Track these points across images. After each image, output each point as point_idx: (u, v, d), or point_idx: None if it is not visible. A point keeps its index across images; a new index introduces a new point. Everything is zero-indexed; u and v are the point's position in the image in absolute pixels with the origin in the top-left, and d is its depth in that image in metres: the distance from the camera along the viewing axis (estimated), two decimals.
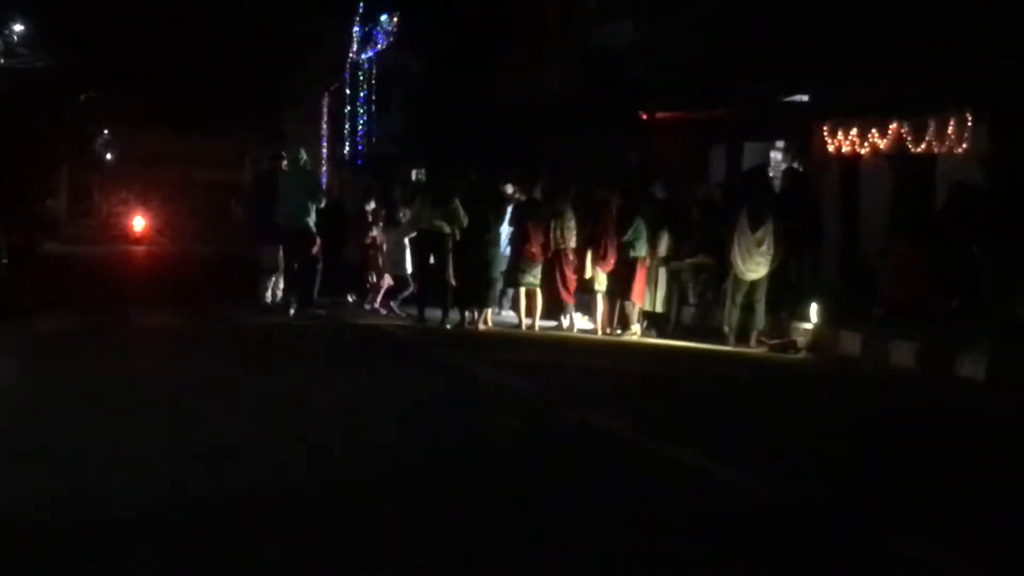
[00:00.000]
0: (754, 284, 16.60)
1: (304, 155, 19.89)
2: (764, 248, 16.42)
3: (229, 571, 5.91)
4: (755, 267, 16.52)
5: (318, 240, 18.64)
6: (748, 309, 16.71)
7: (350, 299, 20.27)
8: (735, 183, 17.60)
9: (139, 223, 52.53)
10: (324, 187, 24.31)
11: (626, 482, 8.19)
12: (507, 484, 7.98)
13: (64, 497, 7.17)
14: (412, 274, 19.61)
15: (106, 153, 79.07)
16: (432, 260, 18.06)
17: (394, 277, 19.97)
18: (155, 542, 6.33)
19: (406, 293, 19.78)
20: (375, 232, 20.57)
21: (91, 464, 8.09)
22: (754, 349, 16.38)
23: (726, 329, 16.84)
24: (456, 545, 6.50)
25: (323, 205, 19.15)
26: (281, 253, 18.99)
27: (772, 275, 16.62)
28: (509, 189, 18.66)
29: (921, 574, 6.39)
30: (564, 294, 18.13)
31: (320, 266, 18.91)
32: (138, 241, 49.48)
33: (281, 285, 19.27)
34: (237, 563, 6.02)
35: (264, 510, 7.08)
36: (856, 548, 6.73)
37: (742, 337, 16.65)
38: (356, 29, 47.78)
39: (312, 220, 18.56)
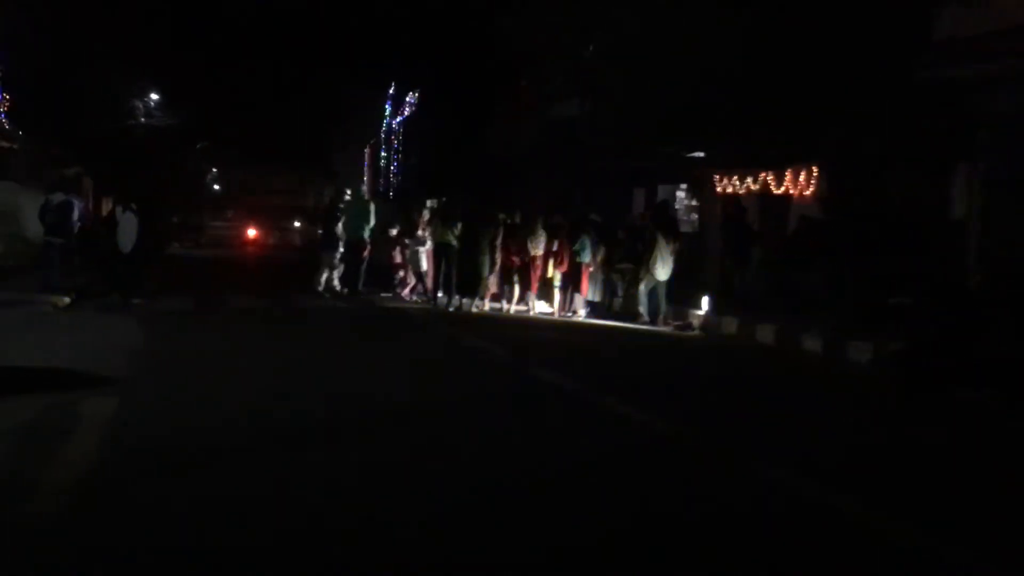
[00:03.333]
0: (664, 282, 16.64)
1: (364, 189, 20.32)
2: (673, 257, 16.48)
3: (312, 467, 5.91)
4: (667, 270, 16.56)
5: (368, 247, 18.79)
6: (658, 300, 16.74)
7: (383, 295, 20.23)
8: (661, 217, 17.53)
9: (251, 232, 52.52)
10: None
11: (561, 421, 8.20)
12: (468, 420, 7.99)
13: (183, 427, 7.17)
14: (425, 272, 19.66)
15: (214, 185, 78.77)
16: (444, 263, 18.11)
17: (414, 274, 19.90)
18: (265, 450, 6.33)
19: (419, 286, 19.78)
20: (396, 249, 20.59)
21: (198, 401, 8.09)
22: (662, 328, 16.38)
23: (641, 311, 16.88)
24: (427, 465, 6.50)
25: (373, 224, 19.35)
26: (338, 256, 19.17)
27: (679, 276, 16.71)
28: (501, 216, 18.56)
29: (775, 490, 6.38)
30: (532, 287, 18.09)
31: (364, 267, 18.98)
32: (251, 244, 49.69)
33: (335, 278, 19.44)
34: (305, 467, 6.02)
35: (313, 430, 7.08)
36: (729, 470, 6.74)
37: (653, 319, 16.67)
38: (388, 103, 47.84)
39: (367, 234, 18.84)
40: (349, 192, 20.07)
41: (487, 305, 18.38)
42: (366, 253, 18.87)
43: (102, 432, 6.76)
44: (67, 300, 15.53)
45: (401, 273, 20.45)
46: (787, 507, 5.80)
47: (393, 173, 46.73)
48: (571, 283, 17.60)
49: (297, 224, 55.24)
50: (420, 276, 19.74)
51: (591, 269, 17.54)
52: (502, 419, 8.12)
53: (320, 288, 19.38)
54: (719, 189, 19.39)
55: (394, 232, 20.96)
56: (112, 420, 7.15)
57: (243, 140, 64.02)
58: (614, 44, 23.45)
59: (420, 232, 19.62)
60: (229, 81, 52.71)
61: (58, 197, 17.22)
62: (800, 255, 16.16)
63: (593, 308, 17.80)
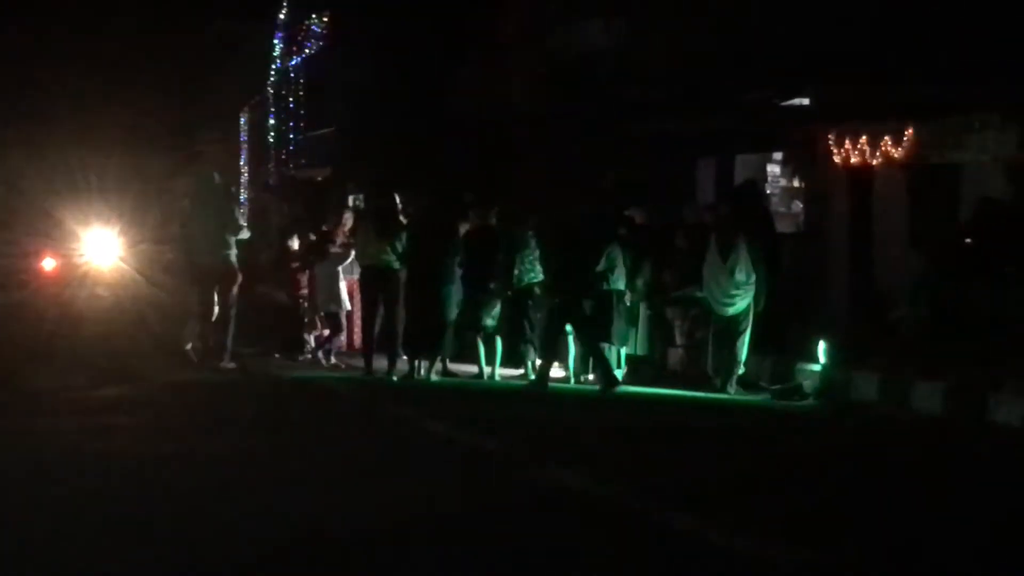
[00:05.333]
0: (732, 320, 16.67)
1: (218, 178, 19.78)
2: (740, 277, 16.49)
3: None
4: (730, 300, 16.57)
5: (239, 278, 18.61)
6: (726, 349, 16.77)
7: (279, 356, 20.20)
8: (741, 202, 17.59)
9: (48, 263, 50.91)
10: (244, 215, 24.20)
11: (605, 556, 8.24)
12: (456, 554, 8.05)
13: None
14: (348, 313, 19.80)
15: None
16: (381, 302, 18.13)
17: (325, 315, 19.94)
18: None
19: (337, 340, 19.88)
20: (302, 275, 20.47)
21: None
22: (748, 397, 16.40)
23: (711, 374, 16.91)
24: None
25: (244, 236, 18.99)
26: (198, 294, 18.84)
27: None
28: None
29: None
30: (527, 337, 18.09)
31: (235, 311, 18.73)
32: (52, 283, 47.70)
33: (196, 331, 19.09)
34: None
35: None
36: None
37: (725, 381, 16.70)
38: (278, 36, 47.63)
39: (233, 253, 18.51)
40: (196, 181, 19.62)
41: (450, 368, 18.42)
42: (235, 288, 18.41)
43: None
44: None
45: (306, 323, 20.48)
46: None
47: (291, 150, 46.59)
48: (594, 327, 17.55)
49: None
50: (335, 321, 19.82)
51: (629, 301, 17.52)
52: (510, 548, 8.23)
53: (189, 347, 19.02)
54: (837, 157, 19.41)
55: (294, 245, 20.87)
56: None
57: (24, 97, 63.64)
58: None
59: (337, 247, 19.66)
60: None
61: None
62: (979, 260, 16.18)
63: (635, 368, 17.78)
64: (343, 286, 19.63)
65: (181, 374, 18.13)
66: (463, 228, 18.34)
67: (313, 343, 20.28)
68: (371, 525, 8.93)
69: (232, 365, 18.67)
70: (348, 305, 19.81)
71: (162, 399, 16.25)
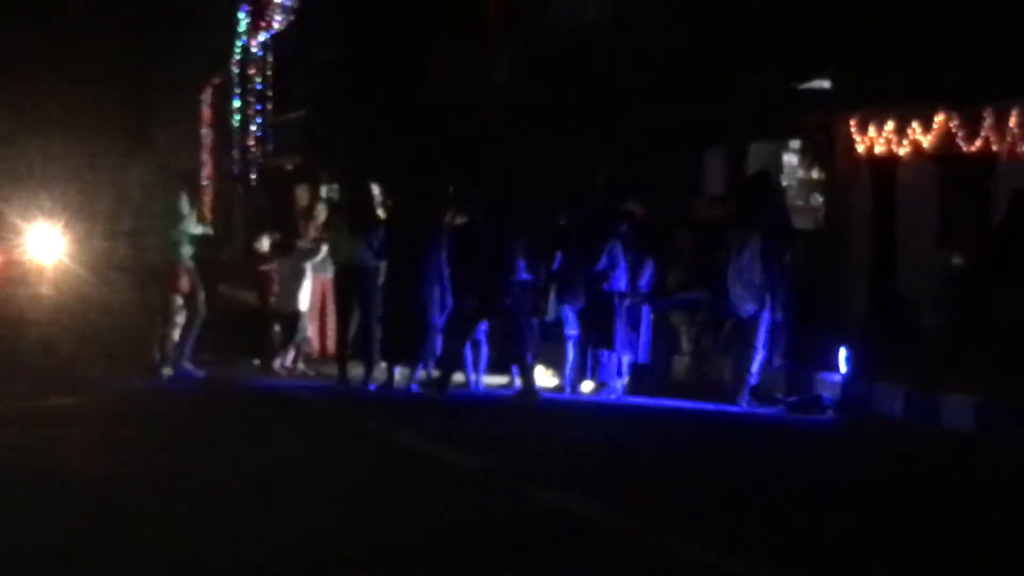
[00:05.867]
0: (746, 323, 16.66)
1: (170, 168, 19.76)
2: (746, 277, 16.44)
3: None
4: (740, 301, 16.54)
5: (184, 276, 18.39)
6: (737, 355, 16.79)
7: (255, 363, 20.13)
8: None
9: None
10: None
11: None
12: None
13: None
14: (321, 315, 19.76)
15: None
16: (357, 304, 18.16)
17: (283, 316, 19.88)
18: None
19: (298, 339, 19.78)
20: (273, 276, 20.35)
21: None
22: (744, 407, 16.37)
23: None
24: None
25: (198, 230, 18.90)
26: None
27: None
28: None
29: None
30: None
31: (190, 312, 18.56)
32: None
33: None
34: None
35: None
36: None
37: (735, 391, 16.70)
38: (244, 9, 47.54)
39: (185, 250, 18.41)
40: (151, 171, 19.58)
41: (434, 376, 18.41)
42: (187, 288, 18.16)
43: None
44: None
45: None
46: None
47: (257, 135, 46.47)
48: (593, 331, 17.57)
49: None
50: (294, 325, 19.75)
51: (631, 303, 17.48)
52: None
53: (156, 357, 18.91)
54: (860, 146, 19.38)
55: (265, 246, 20.80)
56: None
57: None
58: None
59: (307, 243, 19.64)
60: None
61: None
62: (1015, 260, 16.17)
63: (638, 376, 17.73)
64: (306, 285, 19.61)
65: (135, 382, 18.10)
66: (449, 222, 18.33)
67: (279, 354, 20.09)
68: (321, 556, 8.81)
69: (195, 372, 18.63)
70: (304, 307, 19.73)
71: (113, 410, 16.19)
